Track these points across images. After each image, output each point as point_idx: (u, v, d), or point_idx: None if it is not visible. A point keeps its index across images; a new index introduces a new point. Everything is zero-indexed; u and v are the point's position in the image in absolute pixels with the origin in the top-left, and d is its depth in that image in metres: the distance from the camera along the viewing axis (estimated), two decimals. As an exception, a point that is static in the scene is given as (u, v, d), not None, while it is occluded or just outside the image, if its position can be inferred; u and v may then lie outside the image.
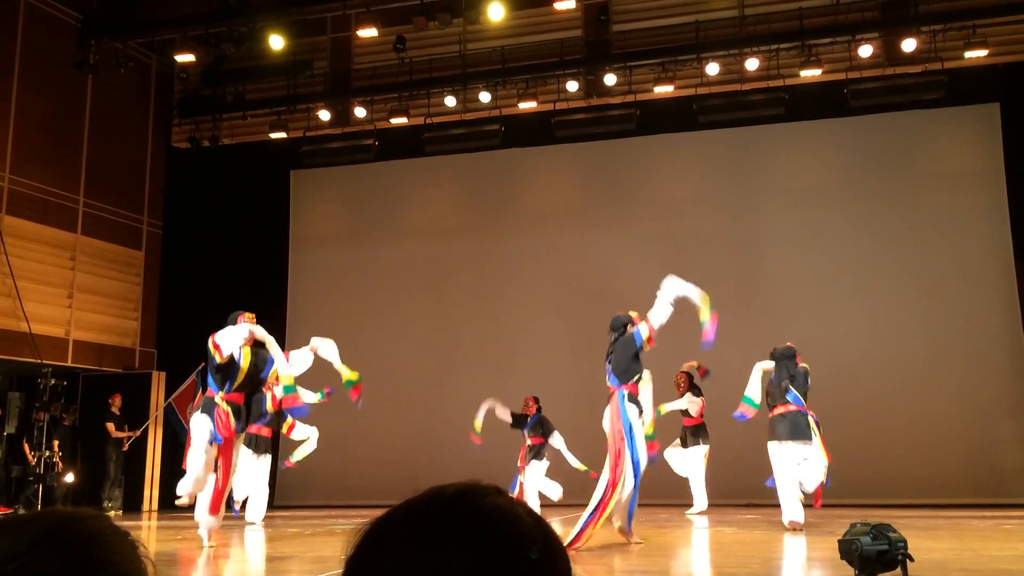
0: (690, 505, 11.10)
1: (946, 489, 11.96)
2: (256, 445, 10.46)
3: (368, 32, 13.05)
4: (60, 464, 12.92)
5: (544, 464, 11.29)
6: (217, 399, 7.68)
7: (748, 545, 7.70)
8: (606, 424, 7.30)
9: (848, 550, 4.64)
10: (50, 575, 0.84)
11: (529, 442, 11.33)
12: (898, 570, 4.51)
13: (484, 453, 11.96)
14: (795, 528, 8.37)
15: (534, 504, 10.88)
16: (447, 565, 0.78)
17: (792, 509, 8.51)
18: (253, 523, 10.31)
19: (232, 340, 7.57)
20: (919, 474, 12.13)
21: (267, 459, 10.63)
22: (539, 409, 11.61)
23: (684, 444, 11.26)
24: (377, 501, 10.76)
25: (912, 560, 4.50)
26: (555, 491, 11.08)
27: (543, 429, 11.39)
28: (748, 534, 8.54)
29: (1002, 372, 12.50)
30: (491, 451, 12.12)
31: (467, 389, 13.97)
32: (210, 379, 7.75)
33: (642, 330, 7.47)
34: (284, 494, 14.70)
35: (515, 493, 11.17)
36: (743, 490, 11.71)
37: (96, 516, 0.93)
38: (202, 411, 7.61)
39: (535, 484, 11.21)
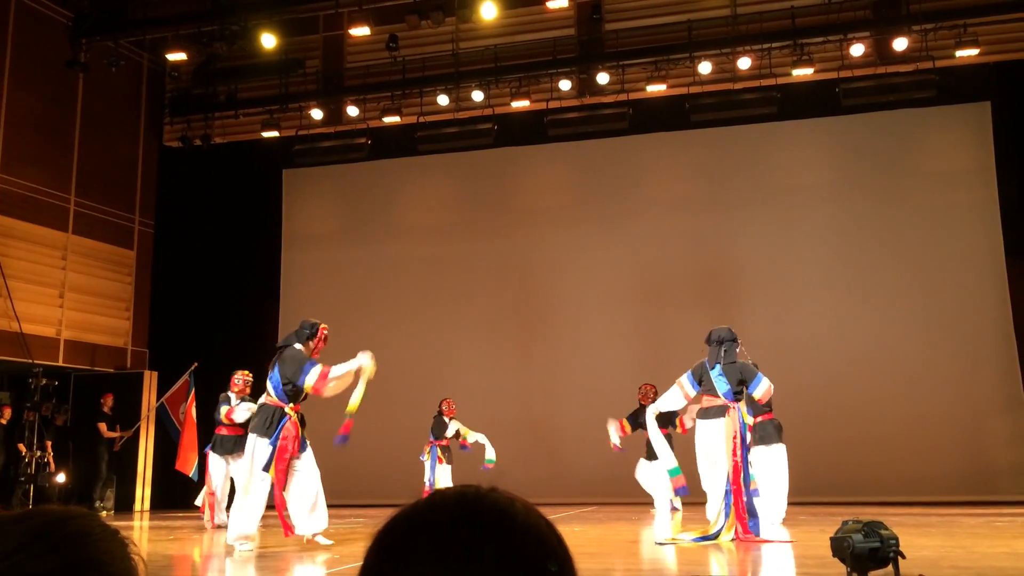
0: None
1: (937, 486, 12.01)
2: (221, 446, 10.25)
3: (360, 31, 13.03)
4: (52, 464, 12.88)
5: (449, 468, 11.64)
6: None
7: (738, 542, 7.71)
8: (718, 435, 7.40)
9: (840, 547, 4.65)
10: (40, 574, 0.84)
11: (439, 444, 11.67)
12: (890, 567, 4.52)
13: (473, 452, 11.96)
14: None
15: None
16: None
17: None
18: (221, 526, 9.78)
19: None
20: (910, 472, 12.17)
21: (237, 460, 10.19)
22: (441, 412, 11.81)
23: (650, 458, 11.29)
24: (369, 500, 10.73)
25: (904, 557, 4.52)
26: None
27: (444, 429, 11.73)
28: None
29: (993, 370, 12.55)
30: (479, 450, 12.12)
31: (459, 387, 13.97)
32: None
33: (761, 386, 7.62)
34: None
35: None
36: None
37: (86, 515, 0.93)
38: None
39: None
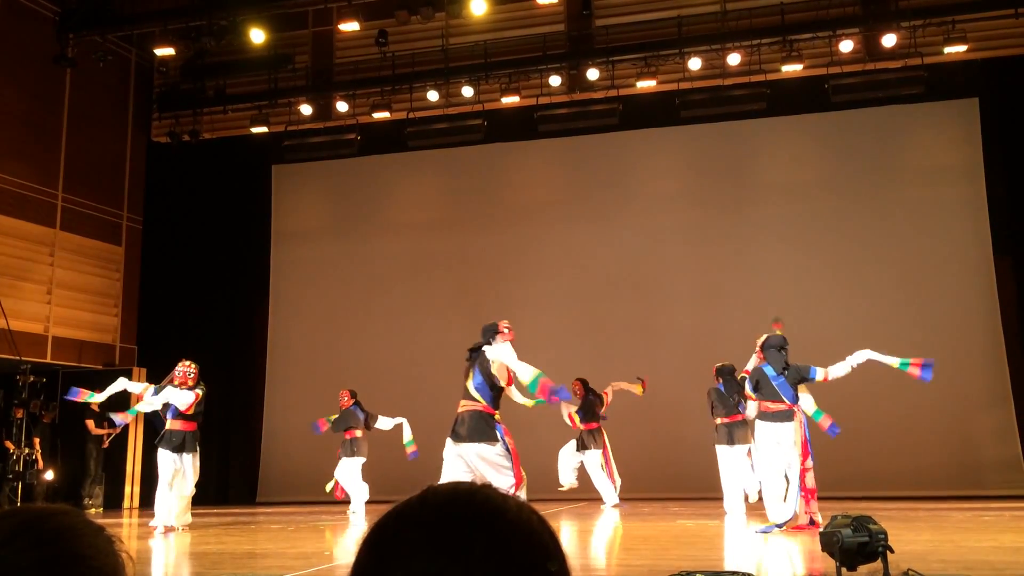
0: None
1: (926, 482, 12.07)
2: (170, 441, 9.49)
3: (350, 26, 13.00)
4: (40, 462, 12.82)
5: (359, 460, 11.16)
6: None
7: (726, 538, 7.74)
8: (786, 436, 7.95)
9: (829, 542, 4.67)
10: (24, 570, 0.84)
11: (345, 436, 11.23)
12: (878, 562, 4.54)
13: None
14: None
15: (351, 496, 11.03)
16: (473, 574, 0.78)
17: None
18: (173, 526, 9.32)
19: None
20: (899, 467, 12.23)
21: (189, 457, 9.52)
22: (356, 403, 11.34)
23: (584, 447, 11.35)
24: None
25: (892, 552, 4.54)
26: (361, 494, 11.09)
27: (356, 421, 11.23)
28: (720, 526, 8.58)
29: (981, 365, 12.61)
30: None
31: (449, 384, 13.95)
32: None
33: (819, 374, 8.28)
34: (267, 490, 14.66)
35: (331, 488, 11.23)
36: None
37: (69, 511, 0.92)
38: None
39: (348, 480, 11.06)
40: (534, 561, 0.81)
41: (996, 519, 8.61)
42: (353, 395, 11.46)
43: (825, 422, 8.45)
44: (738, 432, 9.75)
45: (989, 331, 12.66)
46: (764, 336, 8.58)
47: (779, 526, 7.73)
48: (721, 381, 10.10)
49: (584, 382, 11.52)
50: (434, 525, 0.82)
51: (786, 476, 7.97)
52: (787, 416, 8.00)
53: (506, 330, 7.16)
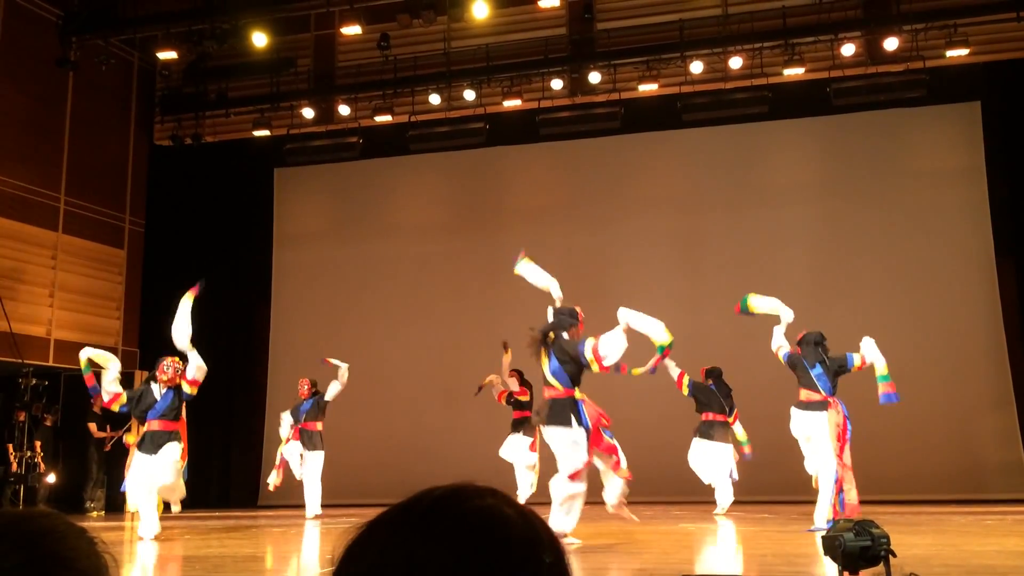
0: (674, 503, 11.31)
1: (928, 485, 12.05)
2: (151, 444, 9.03)
3: (352, 29, 13.02)
4: (42, 465, 12.83)
5: (321, 454, 10.88)
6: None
7: (728, 541, 7.73)
8: (819, 428, 8.05)
9: (831, 546, 4.66)
10: (6, 573, 0.84)
11: (307, 428, 10.98)
12: (881, 566, 4.54)
13: (468, 452, 11.96)
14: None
15: (314, 498, 10.75)
16: (424, 566, 0.78)
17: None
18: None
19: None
20: (901, 470, 12.20)
21: (167, 448, 9.00)
22: (315, 393, 11.02)
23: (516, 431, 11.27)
24: (361, 500, 10.68)
25: (895, 556, 4.53)
26: (313, 499, 10.83)
27: (320, 413, 10.95)
28: (722, 529, 8.57)
29: (983, 369, 12.60)
30: (475, 450, 12.12)
31: (451, 388, 13.97)
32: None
33: (856, 359, 8.52)
34: (268, 494, 14.64)
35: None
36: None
37: (49, 514, 0.92)
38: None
39: (312, 477, 10.79)
40: (529, 553, 0.82)
41: (999, 523, 8.60)
42: (313, 385, 11.23)
43: (886, 389, 8.29)
44: (718, 431, 10.05)
45: (991, 334, 12.65)
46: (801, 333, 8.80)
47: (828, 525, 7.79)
48: (712, 383, 10.38)
49: (520, 373, 11.38)
50: (393, 520, 0.83)
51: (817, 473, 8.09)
52: (821, 406, 8.06)
53: (583, 316, 7.48)
